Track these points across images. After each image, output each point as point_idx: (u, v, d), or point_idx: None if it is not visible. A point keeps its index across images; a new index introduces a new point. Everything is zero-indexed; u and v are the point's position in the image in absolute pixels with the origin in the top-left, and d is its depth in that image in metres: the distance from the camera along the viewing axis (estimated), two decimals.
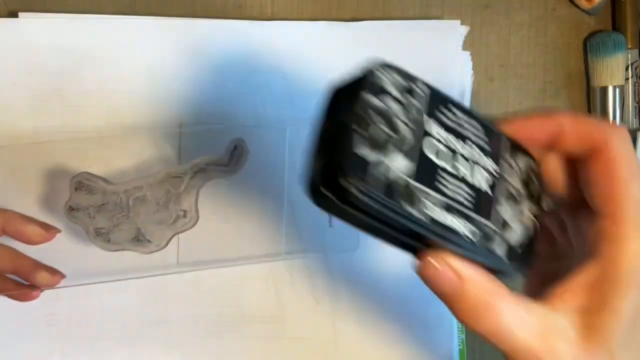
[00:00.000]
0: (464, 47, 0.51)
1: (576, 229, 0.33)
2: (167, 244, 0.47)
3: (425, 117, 0.29)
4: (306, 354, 0.50)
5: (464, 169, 0.29)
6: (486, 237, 0.29)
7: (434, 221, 0.27)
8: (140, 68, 0.50)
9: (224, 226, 0.49)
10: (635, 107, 0.52)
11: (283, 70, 0.50)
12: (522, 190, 0.32)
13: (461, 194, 0.29)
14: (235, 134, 0.47)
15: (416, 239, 0.28)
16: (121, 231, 0.46)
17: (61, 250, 0.47)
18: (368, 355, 0.51)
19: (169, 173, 0.47)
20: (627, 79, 0.52)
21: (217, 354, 0.50)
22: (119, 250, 0.46)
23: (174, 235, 0.47)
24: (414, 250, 0.29)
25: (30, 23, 0.49)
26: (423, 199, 0.27)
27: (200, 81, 0.49)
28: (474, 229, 0.29)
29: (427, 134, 0.29)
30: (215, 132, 0.48)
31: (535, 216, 0.32)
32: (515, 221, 0.31)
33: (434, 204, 0.28)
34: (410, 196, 0.27)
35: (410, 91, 0.29)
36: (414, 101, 0.29)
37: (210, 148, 0.47)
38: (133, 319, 0.50)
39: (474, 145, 0.30)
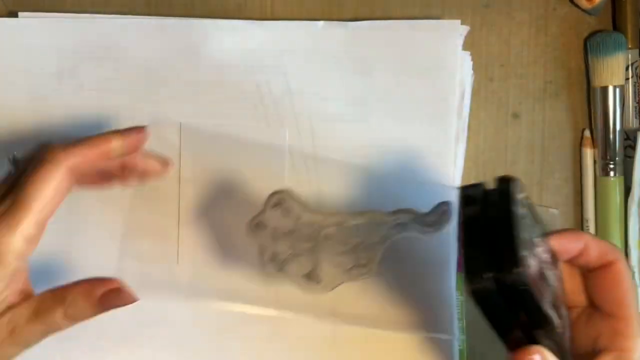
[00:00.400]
0: (464, 47, 0.51)
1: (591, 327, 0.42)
2: (332, 289, 0.43)
3: (534, 229, 0.37)
4: (305, 354, 0.50)
5: (549, 275, 0.37)
6: (560, 336, 0.37)
7: (544, 315, 0.35)
8: (140, 68, 0.50)
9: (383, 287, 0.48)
10: (636, 107, 0.52)
11: (283, 70, 0.50)
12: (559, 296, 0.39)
13: (550, 294, 0.36)
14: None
15: (525, 330, 0.35)
16: (298, 263, 0.42)
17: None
18: (368, 355, 0.51)
19: (372, 218, 0.43)
20: (627, 78, 0.52)
21: (217, 354, 0.50)
22: (282, 281, 0.42)
23: (343, 283, 0.43)
24: (512, 344, 0.36)
25: (29, 23, 0.49)
26: (544, 296, 0.35)
27: (200, 81, 0.50)
28: (561, 322, 0.36)
29: (536, 242, 0.37)
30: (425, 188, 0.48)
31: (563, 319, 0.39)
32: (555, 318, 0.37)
33: (546, 301, 0.35)
34: (540, 291, 0.34)
35: (525, 205, 0.37)
36: (529, 213, 0.37)
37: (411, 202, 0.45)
38: (133, 319, 0.50)
39: (549, 258, 0.38)
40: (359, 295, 0.48)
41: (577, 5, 0.52)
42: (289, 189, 0.42)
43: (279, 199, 0.42)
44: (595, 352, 0.40)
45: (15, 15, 0.49)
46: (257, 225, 0.42)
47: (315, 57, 0.50)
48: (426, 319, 0.50)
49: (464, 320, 0.51)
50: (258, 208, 0.42)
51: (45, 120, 0.49)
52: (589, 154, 0.52)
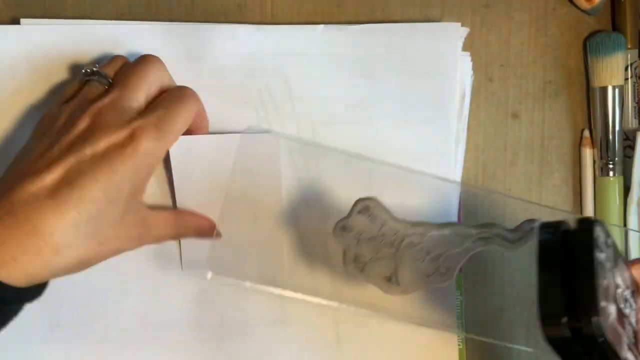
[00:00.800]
0: (464, 48, 0.51)
1: None
2: (410, 293, 0.45)
3: (615, 269, 0.36)
4: (308, 355, 0.51)
5: (629, 312, 0.36)
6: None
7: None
8: None
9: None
10: (635, 107, 0.52)
11: (284, 74, 0.50)
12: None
13: (630, 334, 0.35)
14: None
15: None
16: (380, 266, 0.44)
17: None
18: (369, 355, 0.51)
19: (455, 230, 0.45)
20: (626, 79, 0.52)
21: (221, 357, 0.51)
22: (363, 281, 0.45)
23: (420, 289, 0.45)
24: None
25: (32, 29, 0.50)
26: (622, 340, 0.34)
27: (201, 85, 0.50)
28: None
29: (617, 284, 0.36)
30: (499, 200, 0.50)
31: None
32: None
33: (624, 344, 0.34)
34: (617, 337, 0.33)
35: (609, 245, 0.36)
36: (612, 254, 0.36)
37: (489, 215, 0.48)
38: (136, 322, 0.51)
39: (629, 290, 0.37)
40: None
41: (576, 6, 0.52)
42: (375, 197, 0.45)
43: (365, 206, 0.44)
44: None
45: (17, 22, 0.50)
46: (342, 227, 0.45)
47: (315, 60, 0.50)
48: (428, 314, 0.51)
49: (464, 320, 0.51)
50: (344, 213, 0.45)
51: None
52: (588, 154, 0.52)
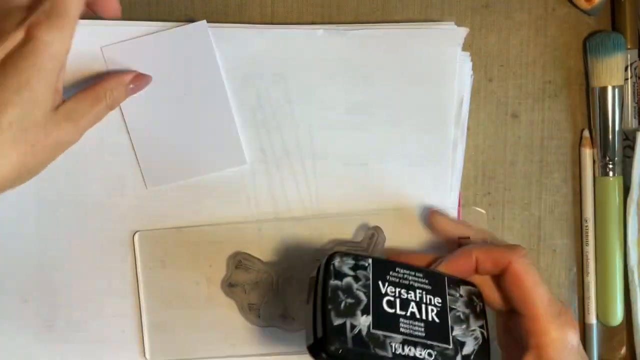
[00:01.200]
0: (464, 48, 0.51)
1: (515, 327, 0.43)
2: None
3: (372, 281, 0.41)
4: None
5: (414, 310, 0.40)
6: (446, 357, 0.39)
7: (399, 355, 0.38)
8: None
9: None
10: (635, 107, 0.52)
11: (282, 77, 0.50)
12: (467, 311, 0.42)
13: (416, 329, 0.40)
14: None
15: None
16: (270, 308, 0.50)
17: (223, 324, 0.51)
18: None
19: (316, 256, 0.49)
20: (626, 79, 0.52)
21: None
22: (267, 326, 0.50)
23: None
24: None
25: None
26: (387, 341, 0.38)
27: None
28: (433, 352, 0.39)
29: (378, 292, 0.41)
30: (354, 220, 0.51)
31: (482, 326, 0.42)
32: (468, 336, 0.41)
33: (396, 341, 0.39)
34: (376, 341, 0.38)
35: (359, 267, 0.41)
36: (364, 273, 0.41)
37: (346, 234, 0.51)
38: (132, 322, 0.51)
39: (420, 291, 0.42)
40: None
41: (576, 6, 0.52)
42: (245, 252, 0.50)
43: (238, 261, 0.50)
44: (521, 355, 0.41)
45: None
46: (229, 285, 0.50)
47: (314, 64, 0.50)
48: None
49: None
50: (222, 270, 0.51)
51: None
52: (588, 154, 0.52)
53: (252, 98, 0.50)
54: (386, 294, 0.41)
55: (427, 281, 0.42)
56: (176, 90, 0.50)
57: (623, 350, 0.54)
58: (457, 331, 0.41)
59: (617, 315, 0.52)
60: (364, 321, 0.39)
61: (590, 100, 0.52)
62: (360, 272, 0.41)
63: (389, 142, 0.51)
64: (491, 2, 0.53)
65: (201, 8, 0.52)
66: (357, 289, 0.40)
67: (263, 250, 0.51)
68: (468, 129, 0.52)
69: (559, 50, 0.53)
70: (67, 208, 0.51)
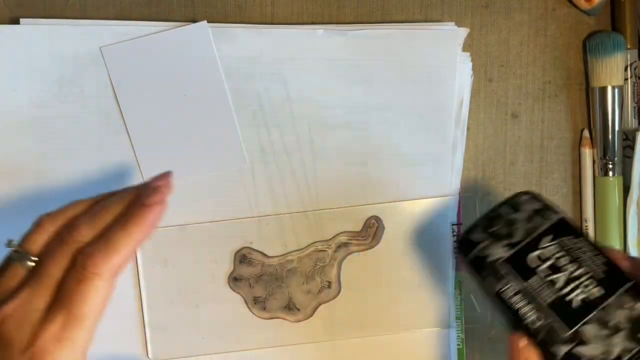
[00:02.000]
0: (464, 48, 0.51)
1: None
2: (312, 313, 0.51)
3: (540, 235, 0.40)
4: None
5: (556, 279, 0.38)
6: (549, 332, 0.36)
7: (501, 297, 0.38)
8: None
9: (361, 296, 0.52)
10: (634, 107, 0.52)
11: (282, 77, 0.50)
12: (623, 326, 0.36)
13: (543, 294, 0.38)
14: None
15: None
16: (275, 300, 0.51)
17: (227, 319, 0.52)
18: (367, 355, 0.51)
19: (316, 247, 0.51)
20: (626, 79, 0.52)
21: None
22: (272, 318, 0.51)
23: (319, 305, 0.51)
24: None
25: (32, 29, 0.50)
26: (504, 280, 0.39)
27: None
28: (539, 322, 0.37)
29: (535, 245, 0.39)
30: (354, 213, 0.52)
31: (626, 351, 0.35)
32: (597, 342, 0.36)
33: (510, 290, 0.38)
34: (495, 272, 0.39)
35: (541, 215, 0.41)
36: (539, 221, 0.40)
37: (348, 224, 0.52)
38: (134, 322, 0.51)
39: (584, 271, 0.38)
40: (357, 305, 0.52)
41: (576, 6, 0.52)
42: (248, 246, 0.51)
43: (242, 255, 0.51)
44: None
45: (17, 22, 0.50)
46: (234, 279, 0.51)
47: (314, 64, 0.50)
48: (424, 316, 0.51)
49: (463, 319, 0.51)
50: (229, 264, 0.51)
51: (45, 126, 0.50)
52: (588, 154, 0.52)
53: (252, 98, 0.50)
54: (542, 248, 0.39)
55: (602, 269, 0.38)
56: (176, 91, 0.50)
57: None
58: (590, 331, 0.36)
59: None
60: (499, 251, 0.40)
61: (590, 100, 0.52)
62: (537, 218, 0.41)
63: (389, 142, 0.51)
64: (491, 2, 0.53)
65: (201, 8, 0.52)
66: (518, 227, 0.41)
67: (265, 244, 0.51)
68: (468, 129, 0.52)
69: (559, 50, 0.53)
70: None
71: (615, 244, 0.51)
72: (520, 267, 0.39)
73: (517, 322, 0.37)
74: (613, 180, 0.52)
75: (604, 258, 0.38)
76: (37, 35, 0.50)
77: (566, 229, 0.40)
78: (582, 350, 0.35)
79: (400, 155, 0.51)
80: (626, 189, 0.52)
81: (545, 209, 0.41)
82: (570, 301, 0.37)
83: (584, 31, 0.53)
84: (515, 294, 0.38)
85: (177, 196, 0.50)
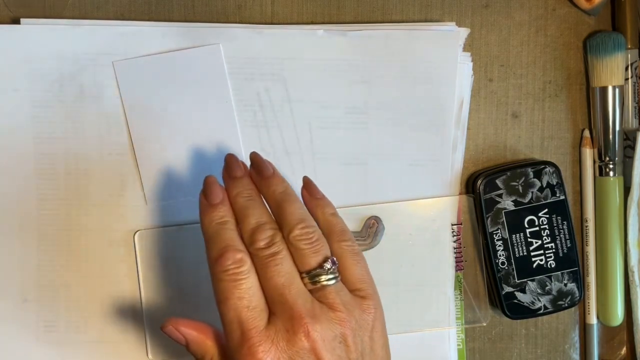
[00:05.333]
0: (464, 48, 0.51)
1: None
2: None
3: (542, 205, 0.51)
4: None
5: (533, 244, 0.51)
6: (506, 275, 0.50)
7: (492, 236, 0.51)
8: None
9: None
10: (635, 107, 0.52)
11: (282, 77, 0.50)
12: (553, 293, 0.51)
13: (519, 249, 0.50)
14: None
15: None
16: None
17: None
18: None
19: None
20: (626, 79, 0.52)
21: None
22: None
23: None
24: None
25: (32, 29, 0.50)
26: (500, 225, 0.50)
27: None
28: (504, 265, 0.50)
29: (534, 211, 0.51)
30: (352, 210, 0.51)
31: (544, 308, 0.51)
32: (531, 295, 0.51)
33: (502, 234, 0.50)
34: (497, 217, 0.50)
35: (552, 189, 0.51)
36: (548, 194, 0.51)
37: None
38: (134, 322, 0.51)
39: (553, 247, 0.51)
40: None
41: (576, 6, 0.52)
42: None
43: None
44: None
45: (18, 22, 0.50)
46: None
47: (314, 64, 0.50)
48: (424, 316, 0.51)
49: (463, 319, 0.51)
50: None
51: (45, 126, 0.50)
52: (588, 154, 0.52)
53: (252, 98, 0.50)
54: (537, 216, 0.50)
55: (564, 251, 0.51)
56: (182, 101, 0.50)
57: (623, 351, 0.54)
58: (532, 286, 0.51)
59: (618, 316, 0.52)
60: (508, 203, 0.50)
61: (591, 100, 0.52)
62: (547, 190, 0.51)
63: (389, 142, 0.51)
64: (491, 2, 0.53)
65: (201, 8, 0.52)
66: (531, 192, 0.51)
67: None
68: (468, 129, 0.52)
69: (559, 50, 0.53)
70: (68, 208, 0.51)
71: (615, 244, 0.51)
72: (515, 221, 0.50)
73: (489, 258, 0.50)
74: (613, 181, 0.52)
75: (571, 244, 0.51)
76: (37, 35, 0.50)
77: (562, 210, 0.51)
78: (518, 295, 0.50)
79: (400, 155, 0.51)
80: (627, 189, 0.52)
81: (558, 186, 0.50)
82: (532, 262, 0.50)
83: (584, 31, 0.53)
84: (501, 239, 0.50)
85: (177, 196, 0.51)
